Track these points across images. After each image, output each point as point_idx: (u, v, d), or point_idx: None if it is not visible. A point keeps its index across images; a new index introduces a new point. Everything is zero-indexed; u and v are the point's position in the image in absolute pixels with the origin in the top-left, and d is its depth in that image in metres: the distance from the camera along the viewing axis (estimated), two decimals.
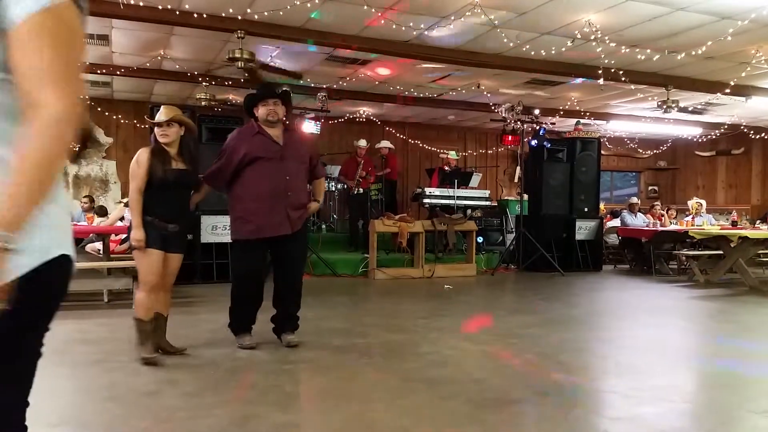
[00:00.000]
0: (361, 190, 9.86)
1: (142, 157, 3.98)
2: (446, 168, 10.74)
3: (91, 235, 7.47)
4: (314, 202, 4.54)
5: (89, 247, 7.64)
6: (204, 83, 9.33)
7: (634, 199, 11.43)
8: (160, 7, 6.35)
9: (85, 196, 9.55)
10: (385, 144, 11.13)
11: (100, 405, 3.15)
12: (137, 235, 3.91)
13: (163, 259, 3.97)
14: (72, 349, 4.24)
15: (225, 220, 8.05)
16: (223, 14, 6.60)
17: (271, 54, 8.26)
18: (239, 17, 6.66)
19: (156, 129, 4.04)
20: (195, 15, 6.50)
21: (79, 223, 7.20)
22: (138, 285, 4.08)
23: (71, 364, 3.90)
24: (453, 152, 11.29)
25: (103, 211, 8.61)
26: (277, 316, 4.52)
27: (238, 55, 6.97)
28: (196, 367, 3.82)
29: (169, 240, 3.96)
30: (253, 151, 4.18)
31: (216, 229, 8.05)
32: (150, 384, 3.44)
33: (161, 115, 4.03)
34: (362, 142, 10.60)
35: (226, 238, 8.08)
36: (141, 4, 6.27)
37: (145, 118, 8.71)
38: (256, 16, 6.66)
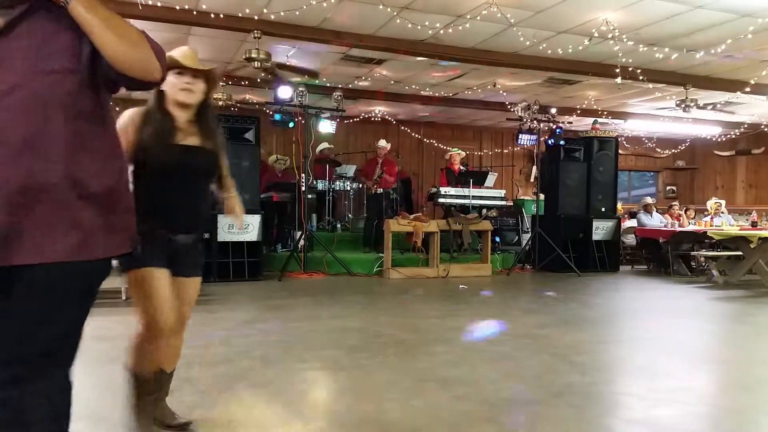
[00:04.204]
0: (380, 190, 9.86)
1: (128, 120, 2.47)
2: (454, 167, 10.65)
3: None
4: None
5: None
6: (221, 83, 9.40)
7: (649, 199, 11.32)
8: (177, 8, 6.41)
9: None
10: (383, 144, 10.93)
11: (118, 401, 3.17)
12: None
13: (171, 284, 2.54)
14: (90, 346, 4.26)
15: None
16: (240, 14, 6.65)
17: (288, 54, 8.31)
18: (256, 17, 6.71)
19: (172, 78, 2.49)
20: (212, 15, 6.56)
21: None
22: (139, 326, 2.58)
23: (89, 361, 3.95)
24: (455, 148, 11.19)
25: None
26: None
27: (254, 55, 7.01)
28: (211, 365, 3.85)
29: (179, 257, 2.55)
30: None
31: (233, 228, 8.11)
32: None
33: (185, 58, 2.51)
34: (382, 143, 10.59)
35: (242, 237, 8.19)
36: (159, 4, 6.34)
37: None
38: (272, 16, 6.70)
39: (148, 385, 2.64)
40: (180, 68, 2.50)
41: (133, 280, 2.45)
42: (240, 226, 2.72)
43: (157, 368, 2.69)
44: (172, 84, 2.49)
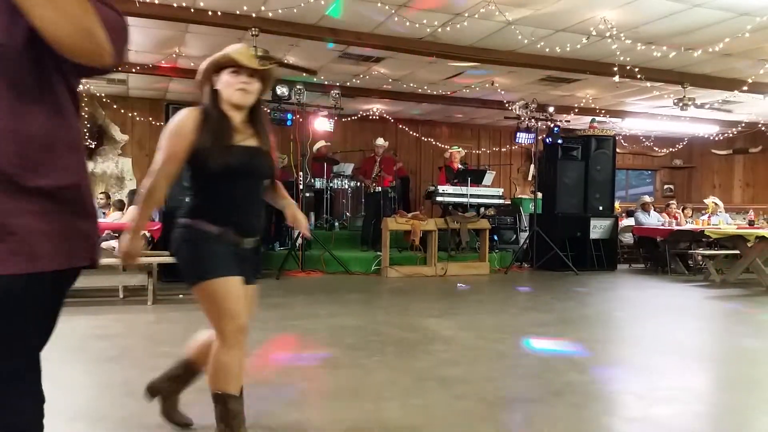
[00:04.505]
0: (379, 188, 9.85)
1: (186, 120, 2.31)
2: (454, 165, 10.65)
3: (105, 232, 7.54)
4: None
5: (104, 244, 7.71)
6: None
7: (647, 198, 11.33)
8: (175, 5, 6.39)
9: (101, 193, 9.69)
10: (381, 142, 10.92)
11: (116, 400, 3.18)
12: (132, 245, 2.27)
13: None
14: (88, 345, 4.28)
15: None
16: (238, 12, 6.63)
17: (286, 52, 8.29)
18: (253, 15, 6.70)
19: (227, 78, 2.37)
20: (210, 13, 6.54)
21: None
22: (217, 338, 2.41)
23: (88, 359, 3.94)
24: (455, 146, 11.18)
25: (121, 205, 8.68)
26: None
27: (252, 53, 7.01)
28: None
29: (243, 262, 2.40)
30: None
31: None
32: None
33: (241, 56, 2.36)
34: (380, 141, 10.56)
35: None
36: (156, 2, 6.32)
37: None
38: (270, 14, 6.69)
39: (239, 405, 2.43)
40: (236, 67, 2.35)
41: (208, 292, 2.31)
42: (308, 236, 2.59)
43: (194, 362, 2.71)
44: (227, 83, 2.36)
